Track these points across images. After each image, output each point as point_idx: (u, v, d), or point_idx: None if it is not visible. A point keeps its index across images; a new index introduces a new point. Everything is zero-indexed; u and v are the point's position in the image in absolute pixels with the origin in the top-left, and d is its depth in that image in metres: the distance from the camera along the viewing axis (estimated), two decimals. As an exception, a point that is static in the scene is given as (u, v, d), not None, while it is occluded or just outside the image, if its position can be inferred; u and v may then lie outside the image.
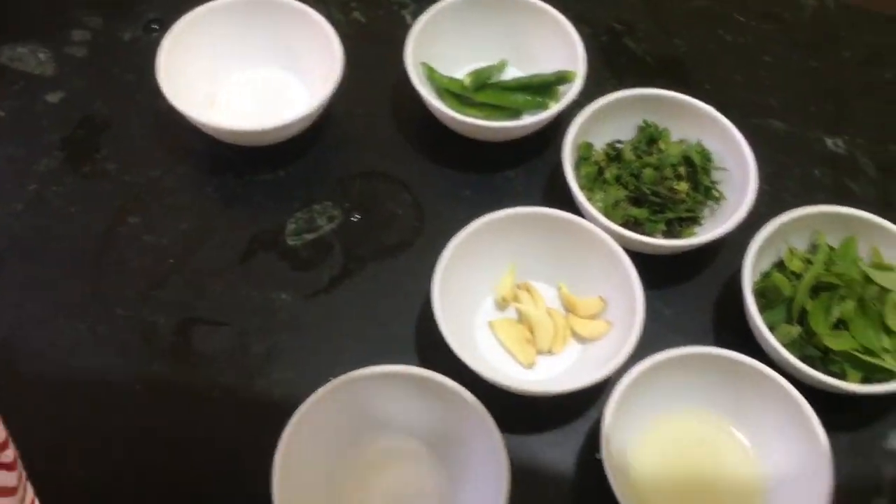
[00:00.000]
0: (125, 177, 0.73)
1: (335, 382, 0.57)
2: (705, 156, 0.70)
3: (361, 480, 0.59)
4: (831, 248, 0.66)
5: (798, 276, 0.64)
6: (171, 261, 0.69)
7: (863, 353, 0.60)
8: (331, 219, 0.71)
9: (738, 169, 0.69)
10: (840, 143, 0.77)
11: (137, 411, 0.63)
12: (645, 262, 0.65)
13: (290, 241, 0.70)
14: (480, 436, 0.57)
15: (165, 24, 0.74)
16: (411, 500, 0.59)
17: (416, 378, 0.58)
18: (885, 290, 0.63)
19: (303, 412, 0.56)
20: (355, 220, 0.72)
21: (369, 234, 0.71)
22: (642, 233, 0.67)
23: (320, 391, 0.57)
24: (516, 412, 0.62)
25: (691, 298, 0.69)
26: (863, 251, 0.66)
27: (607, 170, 0.70)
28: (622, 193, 0.68)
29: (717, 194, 0.70)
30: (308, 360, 0.65)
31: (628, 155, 0.70)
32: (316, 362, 0.65)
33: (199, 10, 0.74)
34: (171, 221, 0.71)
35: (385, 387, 0.59)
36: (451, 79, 0.76)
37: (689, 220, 0.69)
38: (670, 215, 0.68)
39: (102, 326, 0.66)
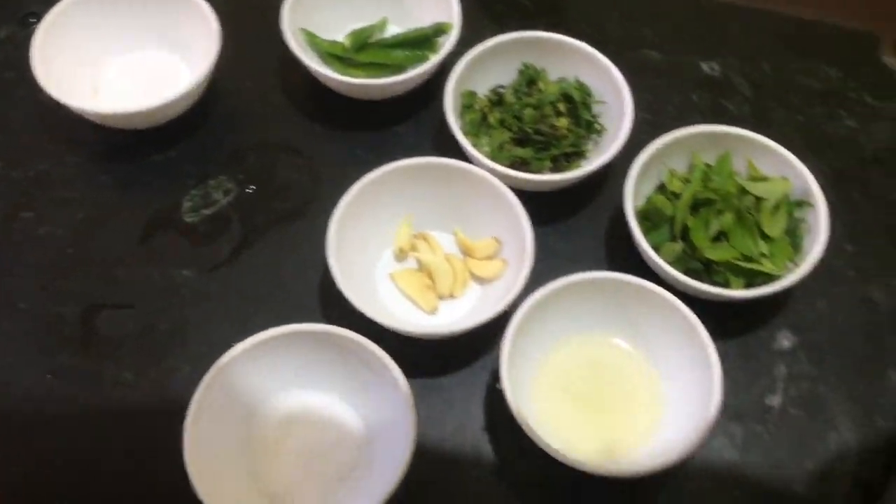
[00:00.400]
0: (13, 173, 0.72)
1: (238, 348, 0.59)
2: (584, 91, 0.72)
3: (278, 439, 0.61)
4: (708, 166, 0.68)
5: (678, 196, 0.67)
6: (70, 251, 0.69)
7: (742, 261, 0.64)
8: (226, 192, 0.72)
9: (616, 101, 0.71)
10: (715, 66, 0.80)
11: (50, 401, 0.63)
12: (536, 199, 0.67)
13: (188, 219, 0.71)
14: (386, 382, 0.58)
15: (42, 16, 0.73)
16: (328, 451, 0.61)
17: (318, 334, 0.60)
18: (760, 200, 0.66)
19: (207, 382, 0.58)
20: (251, 191, 0.72)
21: (266, 203, 0.72)
22: (530, 172, 0.69)
23: (223, 359, 0.58)
24: (424, 358, 0.64)
25: (584, 230, 0.71)
26: (740, 166, 0.69)
27: (490, 115, 0.71)
28: (506, 136, 0.70)
29: (598, 127, 0.72)
30: (216, 332, 0.66)
31: (510, 98, 0.72)
32: (224, 333, 0.65)
33: (70, 0, 0.73)
34: (65, 212, 0.71)
35: (291, 346, 0.60)
36: (333, 42, 0.76)
37: (575, 155, 0.71)
38: (555, 152, 0.70)
39: (7, 322, 0.66)
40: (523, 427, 0.56)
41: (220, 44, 0.72)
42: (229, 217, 0.71)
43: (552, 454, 0.56)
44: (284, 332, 0.59)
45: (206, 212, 0.71)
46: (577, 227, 0.71)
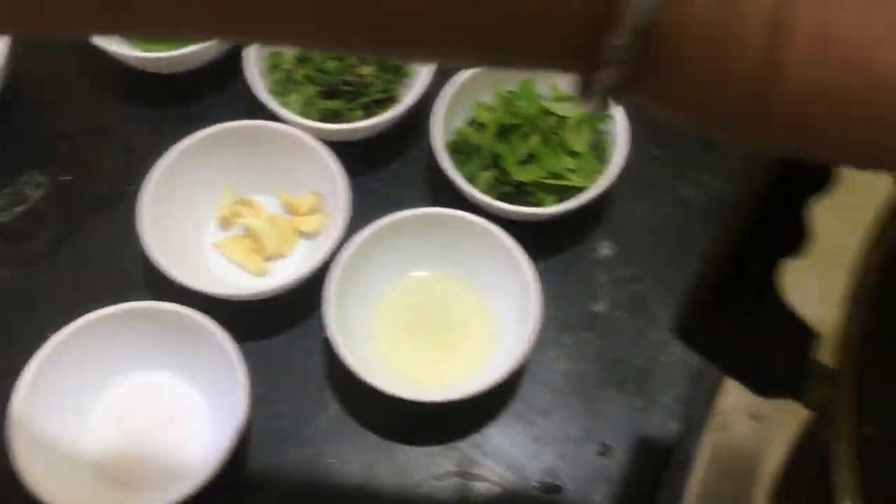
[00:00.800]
0: None
1: (55, 338, 0.58)
2: (387, 36, 0.73)
3: (116, 420, 0.60)
4: (512, 93, 0.70)
5: (486, 126, 0.68)
6: None
7: (551, 178, 0.66)
8: (38, 186, 0.70)
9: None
10: None
11: None
12: (355, 149, 0.68)
13: (0, 219, 0.69)
14: (215, 348, 0.59)
15: None
16: (167, 427, 0.60)
17: (142, 311, 0.60)
18: (563, 118, 0.68)
19: (27, 378, 0.57)
20: (65, 181, 0.71)
21: (82, 191, 0.71)
22: (343, 122, 0.70)
23: (42, 351, 0.58)
24: (260, 322, 0.65)
25: (405, 173, 0.72)
26: (546, 90, 0.71)
27: (297, 72, 0.71)
28: (313, 90, 0.71)
29: (406, 71, 0.73)
30: (46, 327, 0.64)
31: (315, 53, 0.72)
32: (55, 327, 0.64)
33: None
34: None
35: (116, 328, 0.60)
36: (129, 20, 0.75)
37: (387, 101, 0.72)
38: (365, 100, 0.71)
39: None
40: (351, 370, 0.58)
41: (9, 36, 0.70)
42: (45, 211, 0.70)
43: (386, 392, 0.58)
44: (105, 315, 0.59)
45: (19, 209, 0.69)
46: (398, 171, 0.72)
